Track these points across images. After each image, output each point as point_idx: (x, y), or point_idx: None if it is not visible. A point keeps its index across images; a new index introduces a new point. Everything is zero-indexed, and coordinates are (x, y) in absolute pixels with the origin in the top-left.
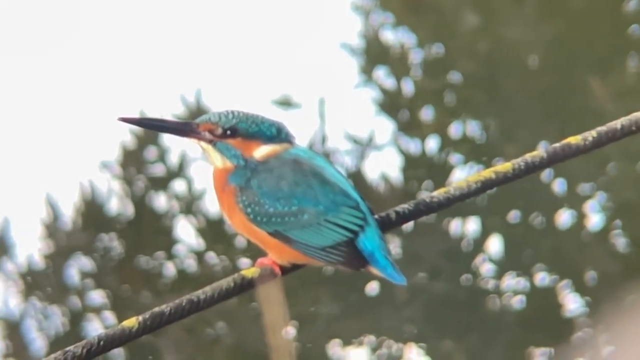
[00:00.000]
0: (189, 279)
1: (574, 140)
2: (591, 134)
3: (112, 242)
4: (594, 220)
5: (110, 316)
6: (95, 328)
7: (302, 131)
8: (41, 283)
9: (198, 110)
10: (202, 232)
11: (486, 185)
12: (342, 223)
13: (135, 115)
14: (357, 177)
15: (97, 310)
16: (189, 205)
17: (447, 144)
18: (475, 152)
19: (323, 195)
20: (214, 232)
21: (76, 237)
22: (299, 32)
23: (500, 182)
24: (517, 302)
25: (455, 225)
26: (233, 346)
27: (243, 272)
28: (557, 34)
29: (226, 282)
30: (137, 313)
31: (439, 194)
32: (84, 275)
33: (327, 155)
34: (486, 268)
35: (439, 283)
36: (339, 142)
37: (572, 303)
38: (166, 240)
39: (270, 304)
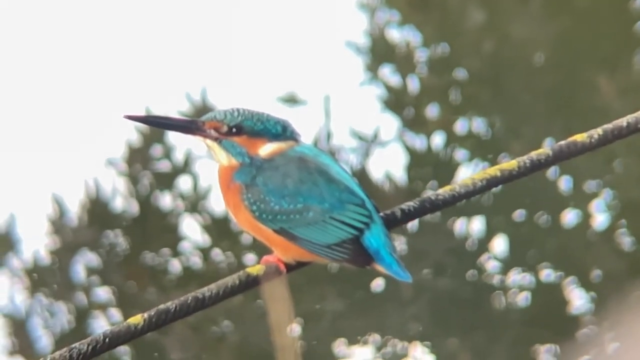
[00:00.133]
0: (194, 275)
1: (579, 137)
2: (597, 132)
3: (118, 239)
4: (600, 219)
5: (115, 313)
6: (100, 325)
7: (307, 129)
8: (47, 279)
9: (204, 108)
10: (207, 228)
11: (491, 183)
12: (348, 220)
13: (141, 113)
14: (361, 175)
15: (103, 307)
16: (194, 204)
17: (452, 139)
18: (480, 148)
19: (328, 193)
20: (219, 229)
21: (82, 234)
22: (304, 29)
23: (505, 180)
24: (523, 299)
25: (460, 225)
26: (238, 344)
27: (248, 270)
28: (562, 32)
29: (231, 280)
30: (142, 310)
31: (444, 191)
32: (90, 271)
33: (332, 153)
34: (491, 265)
35: (444, 280)
36: (344, 139)
37: (577, 300)
38: (172, 237)
39: (275, 301)
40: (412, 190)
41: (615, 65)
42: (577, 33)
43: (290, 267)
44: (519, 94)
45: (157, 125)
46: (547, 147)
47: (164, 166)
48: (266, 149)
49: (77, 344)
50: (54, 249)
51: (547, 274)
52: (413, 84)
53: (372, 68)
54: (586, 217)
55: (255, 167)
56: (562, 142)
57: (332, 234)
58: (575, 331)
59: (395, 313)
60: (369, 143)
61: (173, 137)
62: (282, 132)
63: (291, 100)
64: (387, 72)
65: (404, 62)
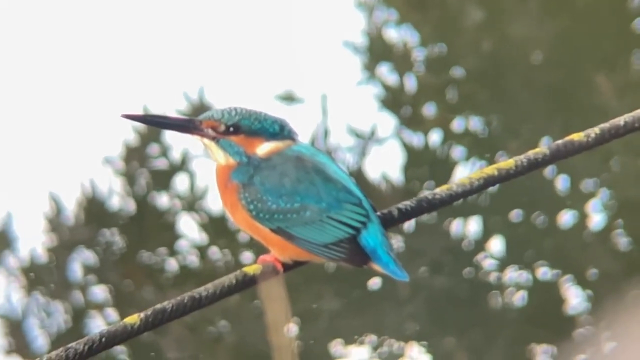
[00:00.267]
0: (191, 274)
1: (576, 137)
2: (594, 131)
3: (115, 237)
4: (596, 219)
5: (112, 313)
6: (97, 325)
7: (305, 127)
8: (44, 278)
9: (201, 107)
10: (204, 227)
11: (488, 182)
12: (345, 220)
13: (139, 112)
14: (358, 175)
15: (100, 306)
16: (192, 203)
17: (449, 137)
18: (477, 146)
19: (326, 192)
20: (216, 227)
21: (79, 232)
22: (302, 28)
23: (502, 179)
24: (519, 298)
25: (456, 225)
26: (235, 344)
27: (245, 269)
28: (561, 31)
29: (228, 279)
30: (139, 309)
31: (441, 190)
32: (87, 270)
33: (329, 152)
34: (488, 263)
35: (440, 278)
36: (342, 138)
37: (574, 299)
38: (169, 236)
39: (272, 301)
40: (409, 189)
41: (614, 65)
42: (576, 32)
43: (287, 267)
44: (517, 92)
45: (154, 125)
46: (544, 146)
47: (161, 164)
48: (263, 148)
49: (73, 344)
50: (51, 247)
51: (544, 272)
52: (410, 83)
53: (370, 67)
54: (583, 217)
55: (253, 167)
56: (559, 141)
57: (329, 233)
58: (572, 331)
59: (392, 312)
60: (366, 140)
61: (170, 136)
62: (279, 131)
63: (289, 98)
64: (385, 71)
65: (401, 61)
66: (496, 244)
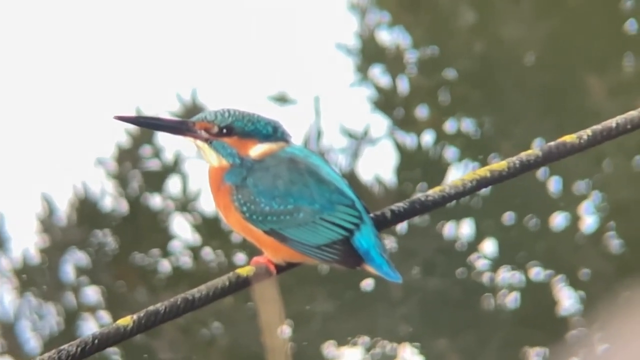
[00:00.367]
0: (184, 275)
1: (569, 138)
2: (586, 133)
3: (107, 238)
4: (589, 221)
5: (105, 315)
6: (90, 327)
7: (298, 129)
8: (36, 279)
9: (194, 108)
10: (197, 227)
11: (481, 183)
12: (338, 221)
13: (132, 113)
14: (351, 177)
15: (92, 309)
16: (184, 204)
17: (442, 137)
18: (470, 148)
19: (319, 194)
20: (209, 228)
21: (71, 233)
22: (295, 30)
23: (495, 181)
24: (512, 300)
25: (449, 228)
26: (229, 346)
27: (238, 271)
28: (553, 32)
29: (221, 281)
30: (132, 311)
31: (434, 192)
32: (79, 271)
33: (322, 153)
34: (481, 263)
35: (433, 280)
36: (334, 140)
37: (566, 301)
38: (162, 237)
39: (265, 302)
40: (401, 191)
41: (606, 66)
42: (568, 34)
43: (280, 268)
44: (509, 94)
45: (147, 126)
46: (536, 148)
47: (153, 165)
48: (257, 149)
49: (65, 346)
50: (43, 248)
51: (537, 272)
52: (403, 85)
53: (362, 69)
54: (575, 219)
55: (246, 168)
56: (552, 143)
57: (322, 235)
58: (565, 332)
59: (385, 314)
60: (359, 141)
61: (162, 138)
62: (272, 133)
63: (282, 99)
64: (377, 73)
65: (393, 63)
66: (489, 245)
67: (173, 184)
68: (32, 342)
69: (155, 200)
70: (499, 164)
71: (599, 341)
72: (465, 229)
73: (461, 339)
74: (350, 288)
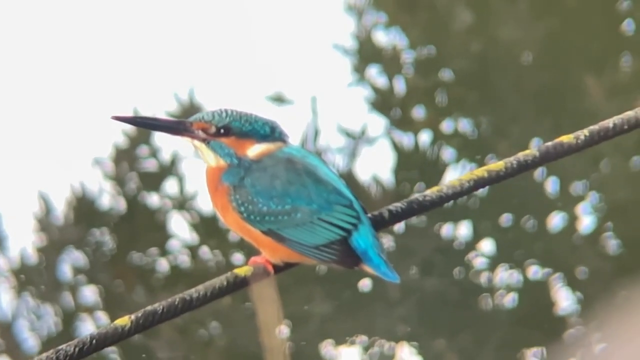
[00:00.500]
0: (182, 274)
1: (566, 139)
2: (583, 133)
3: (104, 237)
4: (586, 222)
5: (102, 316)
6: (88, 328)
7: (295, 129)
8: (34, 279)
9: (191, 108)
10: (195, 226)
11: (479, 183)
12: (336, 222)
13: (129, 114)
14: (349, 177)
15: (90, 309)
16: (182, 203)
17: (439, 137)
18: (467, 148)
19: (316, 194)
20: (207, 227)
21: (68, 231)
22: (293, 31)
23: (493, 181)
24: (510, 300)
25: (446, 229)
26: (226, 346)
27: (236, 271)
28: (550, 32)
29: (219, 281)
30: (129, 311)
31: (431, 192)
32: (77, 270)
33: (319, 153)
34: (479, 261)
35: (431, 280)
36: (332, 139)
37: (564, 301)
38: (159, 236)
39: (263, 302)
40: (399, 192)
41: (603, 66)
42: (565, 34)
43: (278, 268)
44: (506, 94)
45: (144, 126)
46: (534, 148)
47: (150, 165)
48: (254, 150)
49: (63, 346)
50: (41, 247)
51: (535, 271)
52: (399, 86)
53: (359, 69)
54: (572, 219)
55: (244, 168)
56: (549, 143)
57: (320, 235)
58: (562, 332)
59: (383, 314)
60: (356, 140)
61: (159, 139)
62: (270, 133)
63: (279, 99)
64: (374, 74)
65: (390, 64)
66: (487, 245)
67: (170, 185)
68: (30, 341)
69: (153, 199)
70: (496, 164)
71: (596, 341)
72: (463, 229)
73: (459, 339)
74: (348, 288)
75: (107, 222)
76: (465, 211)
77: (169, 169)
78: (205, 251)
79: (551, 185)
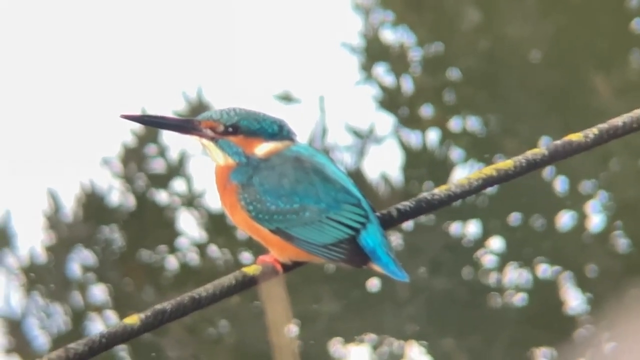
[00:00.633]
0: (191, 272)
1: (575, 137)
2: (592, 131)
3: (114, 234)
4: (595, 221)
5: (112, 315)
6: (97, 327)
7: (303, 127)
8: (43, 277)
9: (200, 107)
10: (204, 224)
11: (487, 182)
12: (344, 220)
13: (137, 112)
14: (357, 175)
15: (99, 308)
16: (190, 200)
17: (447, 136)
18: (476, 147)
19: (325, 193)
20: (215, 224)
21: (78, 229)
22: (301, 30)
23: (501, 180)
24: (519, 299)
25: (455, 228)
26: (235, 345)
27: (244, 270)
28: (558, 30)
29: (227, 280)
30: (138, 310)
31: (440, 191)
32: (86, 269)
33: (327, 152)
34: (488, 259)
35: (440, 279)
36: (340, 138)
37: (573, 300)
38: (168, 233)
39: (272, 301)
40: (407, 190)
41: (611, 64)
42: (573, 32)
43: (286, 267)
44: (514, 92)
45: (153, 125)
46: (543, 147)
47: (158, 166)
48: (262, 148)
49: (73, 344)
50: (50, 246)
51: (544, 269)
52: (407, 84)
53: (367, 67)
54: (582, 218)
55: (252, 167)
56: (558, 142)
57: (329, 234)
58: (572, 331)
59: (392, 313)
60: (364, 139)
61: (167, 137)
62: (278, 131)
63: (287, 98)
64: (381, 72)
65: (397, 62)
66: (496, 243)
67: (178, 185)
68: (39, 339)
69: (162, 196)
70: (505, 163)
71: (606, 340)
72: (472, 228)
73: (468, 339)
74: (357, 287)
75: (117, 218)
76: (473, 210)
77: (177, 170)
78: (213, 249)
79: (560, 184)
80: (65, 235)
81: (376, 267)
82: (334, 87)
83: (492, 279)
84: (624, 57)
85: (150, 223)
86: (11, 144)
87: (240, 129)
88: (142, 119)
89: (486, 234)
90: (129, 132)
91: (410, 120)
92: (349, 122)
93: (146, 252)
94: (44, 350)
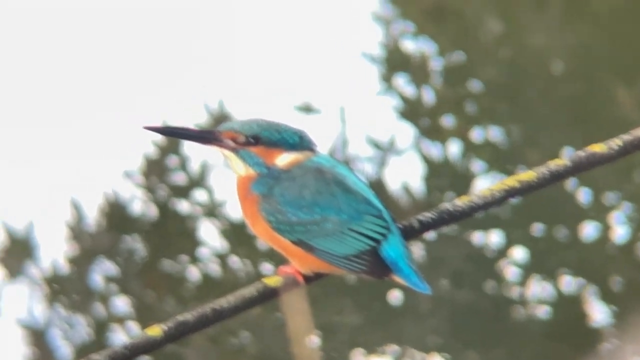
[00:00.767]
0: (212, 283)
1: (598, 148)
2: (616, 142)
3: (136, 244)
4: (620, 232)
5: (134, 326)
6: (120, 339)
7: (324, 138)
8: (66, 288)
9: (221, 118)
10: (225, 233)
11: (510, 194)
12: (366, 232)
13: (159, 124)
14: (378, 186)
15: (121, 319)
16: (212, 210)
17: (469, 148)
18: (498, 158)
19: (346, 204)
20: (237, 234)
21: (100, 239)
22: (321, 41)
23: (524, 191)
24: (543, 312)
25: (478, 238)
26: (257, 355)
27: (266, 281)
28: (581, 41)
29: (249, 291)
30: (159, 321)
31: (462, 202)
32: (108, 279)
33: (347, 163)
34: (511, 271)
35: (463, 292)
36: (360, 148)
37: (598, 313)
38: (190, 243)
39: (294, 313)
40: (429, 201)
41: (634, 75)
42: (596, 42)
43: (308, 279)
44: (537, 103)
45: (175, 136)
46: (566, 158)
47: (179, 179)
48: (283, 159)
49: (95, 355)
50: (73, 257)
51: (568, 281)
52: (428, 95)
53: (387, 78)
54: (605, 229)
55: (273, 178)
56: (582, 153)
57: (350, 245)
58: (597, 345)
59: (414, 325)
60: (385, 151)
61: (189, 148)
62: (299, 142)
63: (307, 109)
64: (402, 83)
65: (418, 72)
66: (518, 253)
67: (200, 194)
68: (62, 350)
69: (183, 206)
70: (527, 174)
71: (631, 354)
72: (495, 237)
73: (492, 352)
74: (378, 299)
75: (139, 228)
76: (496, 220)
77: (198, 182)
78: (234, 260)
79: (583, 196)
80: (88, 245)
81: (398, 279)
82: (354, 98)
83: (516, 291)
84: None
85: (172, 233)
86: (35, 156)
87: (261, 139)
88: (164, 130)
89: (509, 243)
90: (150, 144)
91: (432, 131)
92: (370, 133)
93: (168, 262)
94: None
